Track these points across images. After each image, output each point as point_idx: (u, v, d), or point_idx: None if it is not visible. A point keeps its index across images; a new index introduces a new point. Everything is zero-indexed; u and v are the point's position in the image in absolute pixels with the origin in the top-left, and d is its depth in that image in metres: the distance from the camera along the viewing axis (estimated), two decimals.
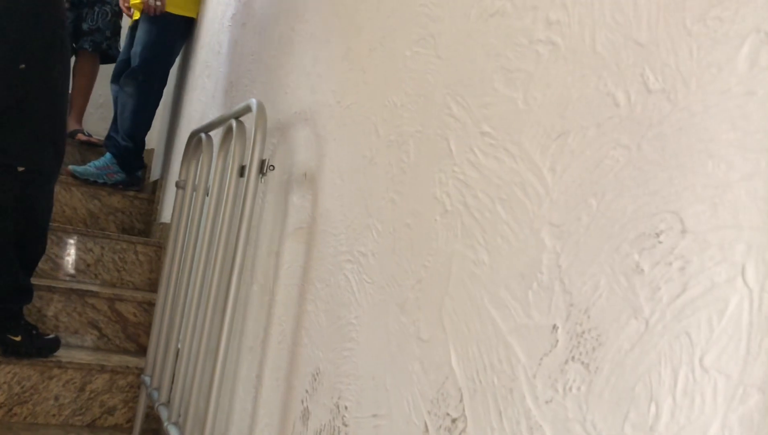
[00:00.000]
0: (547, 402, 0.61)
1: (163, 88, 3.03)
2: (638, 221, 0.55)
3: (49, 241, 2.54)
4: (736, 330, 0.46)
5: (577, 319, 0.59)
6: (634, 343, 0.54)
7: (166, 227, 2.88)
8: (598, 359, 0.57)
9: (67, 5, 3.13)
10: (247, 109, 1.43)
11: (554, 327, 0.62)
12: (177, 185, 2.04)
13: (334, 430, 1.00)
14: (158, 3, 2.83)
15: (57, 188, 2.86)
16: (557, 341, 0.61)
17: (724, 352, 0.47)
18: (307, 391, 1.13)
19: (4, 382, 2.01)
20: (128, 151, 2.98)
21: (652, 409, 0.51)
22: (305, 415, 1.11)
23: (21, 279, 1.99)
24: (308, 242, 1.26)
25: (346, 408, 0.99)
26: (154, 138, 3.69)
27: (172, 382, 1.68)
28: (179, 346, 1.67)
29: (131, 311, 2.42)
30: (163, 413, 1.61)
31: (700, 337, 0.48)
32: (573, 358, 0.59)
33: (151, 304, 2.42)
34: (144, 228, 3.13)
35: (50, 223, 2.20)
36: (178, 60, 3.21)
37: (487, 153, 0.77)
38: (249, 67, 1.94)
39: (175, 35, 2.94)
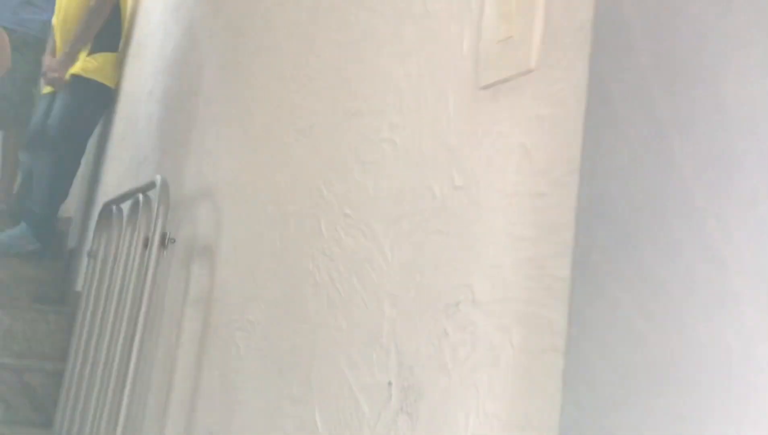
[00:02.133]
0: None
1: (81, 157, 3.06)
2: (446, 293, 0.68)
3: None
4: (505, 382, 0.58)
5: (405, 375, 0.71)
6: (443, 394, 0.65)
7: (78, 294, 2.88)
8: (419, 409, 0.68)
9: None
10: (152, 185, 1.52)
11: (389, 383, 0.73)
12: (88, 254, 2.08)
13: None
14: (55, 75, 2.88)
15: None
16: (391, 395, 0.72)
17: (497, 399, 0.58)
18: None
19: None
20: (45, 220, 2.97)
21: None
22: None
23: None
24: (206, 311, 1.34)
25: None
26: (71, 206, 3.69)
27: None
28: (83, 415, 1.70)
29: (39, 382, 2.39)
30: None
31: (484, 388, 0.60)
32: (401, 409, 0.70)
33: (62, 374, 2.41)
34: (59, 296, 3.10)
35: None
36: (96, 129, 3.26)
37: (347, 232, 0.89)
38: (160, 141, 2.03)
39: (95, 103, 2.99)
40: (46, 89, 3.05)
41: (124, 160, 2.57)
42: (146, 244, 1.53)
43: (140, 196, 1.59)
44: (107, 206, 2.01)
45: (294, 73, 1.18)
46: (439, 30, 0.79)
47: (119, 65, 3.03)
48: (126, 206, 1.83)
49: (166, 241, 1.41)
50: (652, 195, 0.47)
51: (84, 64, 2.91)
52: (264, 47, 1.34)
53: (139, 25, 2.98)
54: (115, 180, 2.64)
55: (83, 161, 3.12)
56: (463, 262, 0.66)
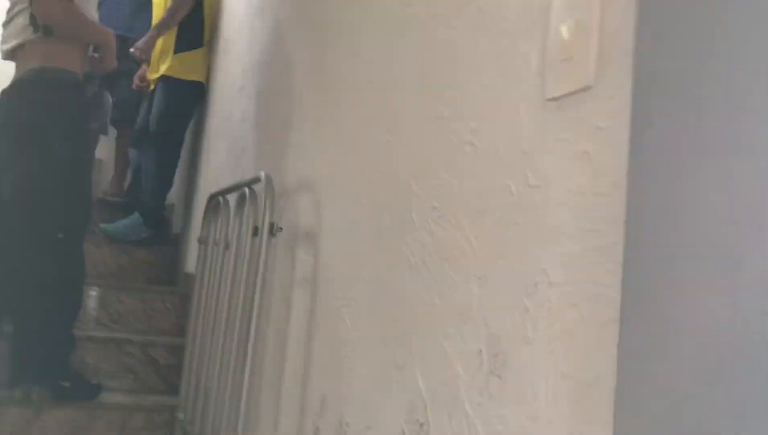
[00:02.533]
0: (478, 405, 0.87)
1: (180, 149, 3.33)
2: (525, 275, 0.81)
3: (85, 296, 2.82)
4: (576, 349, 0.72)
5: (493, 344, 0.85)
6: (526, 359, 0.79)
7: (190, 277, 3.16)
8: (506, 372, 0.82)
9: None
10: (257, 180, 1.71)
11: (480, 351, 0.87)
12: (199, 241, 2.32)
13: None
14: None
15: (89, 246, 3.15)
16: (482, 361, 0.87)
17: (570, 363, 0.72)
18: (317, 413, 1.38)
19: (55, 426, 2.27)
20: (154, 209, 3.26)
21: (537, 403, 0.76)
22: (316, 433, 1.36)
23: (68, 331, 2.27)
24: (313, 290, 1.52)
25: (347, 424, 1.24)
26: (173, 194, 3.99)
27: (202, 417, 1.93)
28: (208, 384, 1.93)
29: (162, 355, 2.68)
30: None
31: (559, 354, 0.74)
32: (492, 371, 0.85)
33: (180, 348, 2.68)
34: (169, 278, 3.41)
35: (85, 279, 2.47)
36: (192, 122, 3.52)
37: (437, 222, 1.04)
38: (257, 137, 2.23)
39: (187, 99, 3.24)
40: (151, 88, 3.32)
41: (221, 152, 2.79)
42: (255, 232, 1.72)
43: (246, 190, 1.78)
44: (214, 197, 2.23)
45: (380, 79, 1.33)
46: (511, 47, 0.91)
47: (205, 59, 3.25)
48: (232, 198, 2.04)
49: (274, 229, 1.60)
50: (687, 195, 0.59)
51: (172, 65, 3.15)
52: (351, 53, 1.49)
53: (225, 21, 3.18)
54: (214, 171, 2.88)
55: (182, 153, 3.38)
56: (538, 249, 0.79)
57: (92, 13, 2.37)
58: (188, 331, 2.27)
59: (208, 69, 3.28)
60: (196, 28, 3.24)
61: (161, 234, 3.37)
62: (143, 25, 3.37)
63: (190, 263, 3.32)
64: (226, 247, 2.02)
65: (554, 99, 0.81)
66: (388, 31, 1.32)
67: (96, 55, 2.36)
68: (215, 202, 2.20)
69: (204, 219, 2.31)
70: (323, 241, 1.50)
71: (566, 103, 0.79)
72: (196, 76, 3.24)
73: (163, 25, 3.16)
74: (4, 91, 2.21)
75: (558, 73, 0.81)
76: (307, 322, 1.52)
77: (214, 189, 2.34)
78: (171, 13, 3.15)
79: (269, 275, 1.67)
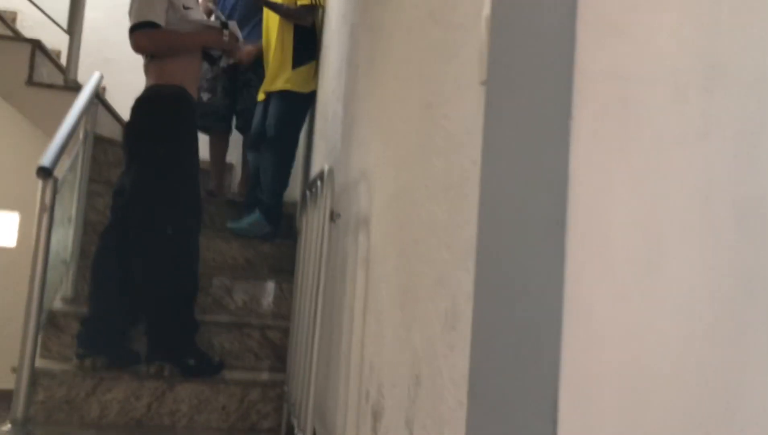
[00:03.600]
0: (444, 357, 0.99)
1: (295, 151, 3.62)
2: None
3: (213, 286, 3.18)
4: None
5: (453, 303, 0.97)
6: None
7: None
8: (460, 324, 0.94)
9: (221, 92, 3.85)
10: (322, 173, 1.91)
11: (445, 310, 1.00)
12: (297, 231, 2.57)
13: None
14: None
15: (220, 242, 3.54)
16: (446, 318, 0.99)
17: None
18: (367, 378, 1.54)
19: (186, 397, 2.62)
20: (273, 207, 3.56)
21: None
22: (366, 396, 1.53)
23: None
24: (367, 269, 1.69)
25: (382, 385, 1.39)
26: (297, 192, 4.34)
27: (295, 388, 2.17)
28: (297, 358, 2.16)
29: (278, 337, 2.98)
30: (294, 422, 2.10)
31: None
32: (452, 327, 0.97)
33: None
34: (291, 268, 3.72)
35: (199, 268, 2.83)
36: (305, 125, 3.81)
37: (424, 204, 1.16)
38: (341, 134, 2.43)
39: (300, 108, 3.53)
40: (260, 96, 3.64)
41: (322, 150, 3.04)
42: (332, 217, 1.92)
43: (318, 182, 1.99)
44: (304, 191, 2.47)
45: (421, 76, 1.46)
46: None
47: (316, 70, 3.52)
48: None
49: (334, 216, 1.78)
50: None
51: (290, 78, 3.44)
52: (391, 49, 1.64)
53: (326, 27, 3.43)
54: (316, 168, 3.13)
55: (298, 154, 3.68)
56: None
57: (197, 13, 2.72)
58: (292, 312, 2.52)
59: (317, 79, 3.54)
60: (311, 43, 3.50)
61: (281, 229, 3.67)
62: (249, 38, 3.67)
63: None
64: (310, 234, 2.24)
65: None
66: (425, 26, 1.45)
67: (215, 53, 2.77)
68: (305, 195, 2.44)
69: (299, 211, 2.56)
70: (373, 224, 1.66)
71: None
72: (308, 89, 3.51)
73: (284, 12, 3.44)
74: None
75: None
76: (363, 297, 1.69)
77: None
78: (289, 14, 3.44)
79: (335, 257, 1.86)
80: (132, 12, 2.58)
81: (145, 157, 2.49)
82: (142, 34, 2.51)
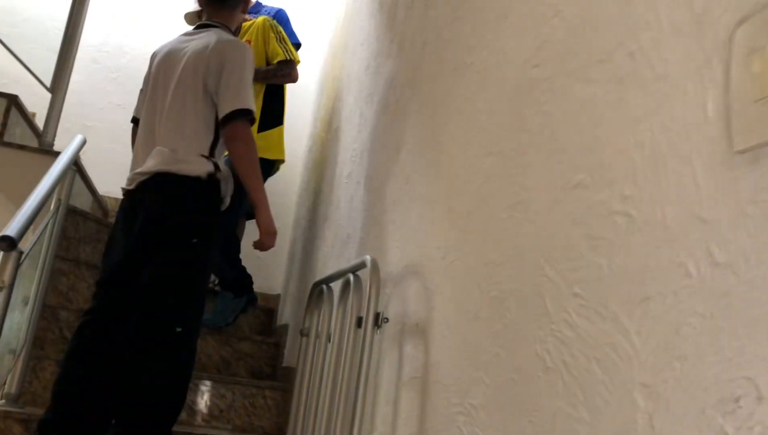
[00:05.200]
0: None
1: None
2: (719, 385, 0.59)
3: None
4: None
5: None
6: None
7: (290, 371, 3.03)
8: None
9: None
10: (363, 265, 1.57)
11: None
12: (301, 333, 2.18)
13: None
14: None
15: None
16: None
17: None
18: None
19: None
20: (236, 277, 3.17)
21: None
22: None
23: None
24: (422, 392, 1.32)
25: None
26: (280, 284, 3.94)
27: None
28: None
29: None
30: None
31: None
32: None
33: None
34: (271, 371, 3.29)
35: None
36: (305, 213, 3.48)
37: (580, 313, 0.84)
38: (363, 221, 2.11)
39: (264, 175, 3.23)
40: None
41: (327, 239, 2.70)
42: (359, 323, 1.56)
43: (351, 276, 1.64)
44: (317, 286, 2.11)
45: (501, 149, 1.17)
46: (673, 94, 0.73)
47: (282, 135, 3.27)
48: (336, 286, 1.90)
49: (380, 320, 1.43)
50: None
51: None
52: (466, 126, 1.35)
53: (336, 110, 3.19)
54: (320, 259, 2.78)
55: (294, 240, 3.33)
56: (738, 350, 0.58)
57: None
58: (287, 430, 2.10)
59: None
60: (279, 107, 3.28)
61: (253, 297, 3.27)
62: None
63: (291, 356, 3.20)
64: (329, 339, 1.87)
65: (747, 150, 0.62)
66: (509, 97, 1.17)
67: None
68: (318, 290, 2.08)
69: (307, 309, 2.18)
70: (434, 334, 1.32)
71: (765, 154, 0.60)
72: (274, 155, 3.24)
73: (262, 76, 3.16)
74: None
75: (751, 118, 0.62)
76: (417, 430, 1.31)
77: (319, 278, 2.22)
78: (269, 75, 3.19)
79: (374, 372, 1.49)
80: (233, 89, 2.17)
81: (181, 248, 2.07)
82: (246, 124, 2.16)
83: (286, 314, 3.60)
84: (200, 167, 2.09)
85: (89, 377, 2.00)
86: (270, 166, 3.26)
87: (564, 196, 0.93)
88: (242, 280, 3.20)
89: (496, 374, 1.03)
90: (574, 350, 0.83)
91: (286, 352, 3.38)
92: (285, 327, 3.48)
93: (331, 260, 2.53)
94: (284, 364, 3.32)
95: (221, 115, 2.14)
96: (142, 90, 2.32)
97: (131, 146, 2.30)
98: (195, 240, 2.06)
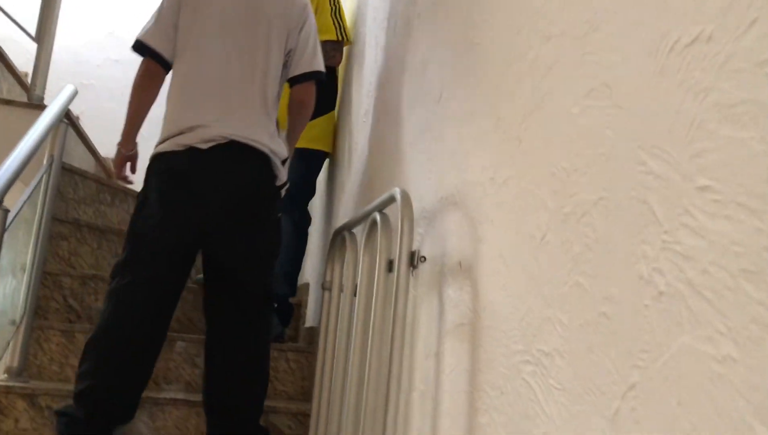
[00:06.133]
0: None
1: (308, 225, 2.95)
2: None
3: (175, 352, 2.52)
4: None
5: None
6: None
7: (313, 331, 2.83)
8: None
9: None
10: (391, 200, 1.33)
11: None
12: (323, 287, 1.96)
13: None
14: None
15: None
16: None
17: None
18: None
19: None
20: (285, 298, 2.77)
21: None
22: None
23: None
24: (472, 341, 1.09)
25: None
26: None
27: None
28: None
29: (286, 424, 2.32)
30: None
31: None
32: None
33: (306, 415, 2.32)
34: (293, 334, 3.09)
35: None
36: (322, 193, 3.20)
37: (712, 213, 0.59)
38: (386, 159, 1.87)
39: (316, 170, 2.89)
40: None
41: (347, 186, 2.47)
42: (390, 266, 1.33)
43: (377, 215, 1.41)
44: (338, 233, 1.88)
45: (563, 29, 0.91)
46: None
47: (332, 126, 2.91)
48: (360, 231, 1.67)
49: (416, 260, 1.20)
50: None
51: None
52: (510, 12, 1.09)
53: (354, 45, 2.91)
54: (340, 209, 2.55)
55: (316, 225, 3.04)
56: None
57: None
58: (314, 395, 1.89)
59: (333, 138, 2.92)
60: (330, 90, 2.77)
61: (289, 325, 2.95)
62: None
63: (313, 316, 2.99)
64: (354, 292, 1.64)
65: None
66: None
67: None
68: (341, 238, 1.84)
69: (328, 261, 1.96)
70: (484, 270, 1.08)
71: None
72: (325, 147, 2.88)
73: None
74: None
75: None
76: (468, 385, 1.09)
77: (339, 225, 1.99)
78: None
79: (410, 322, 1.26)
80: (311, 49, 1.97)
81: (273, 225, 1.93)
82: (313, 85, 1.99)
83: (307, 272, 3.39)
84: (284, 149, 1.92)
85: (143, 347, 1.81)
86: (321, 160, 2.88)
87: (671, 59, 0.68)
88: (286, 305, 2.79)
89: (578, 309, 0.79)
90: (705, 264, 0.59)
91: (308, 312, 3.18)
92: (306, 286, 3.28)
93: (352, 207, 2.29)
94: (306, 325, 3.13)
95: (298, 72, 1.93)
96: (159, 17, 1.92)
97: (143, 86, 1.93)
98: (279, 215, 1.95)
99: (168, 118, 1.88)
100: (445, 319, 1.23)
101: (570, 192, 0.85)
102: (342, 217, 2.48)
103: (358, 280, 1.53)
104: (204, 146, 1.80)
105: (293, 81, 1.97)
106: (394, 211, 1.38)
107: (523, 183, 0.99)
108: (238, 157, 1.81)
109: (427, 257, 1.29)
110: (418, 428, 1.31)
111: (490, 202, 1.09)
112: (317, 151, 2.81)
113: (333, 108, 2.86)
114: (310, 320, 3.12)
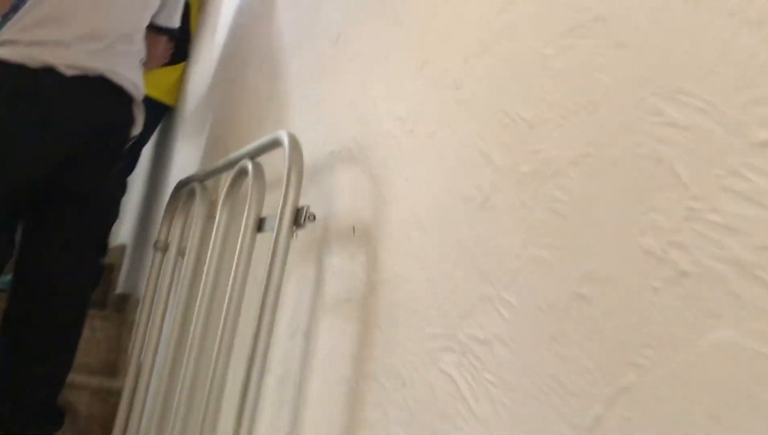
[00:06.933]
0: None
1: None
2: None
3: None
4: None
5: None
6: None
7: (125, 298, 2.48)
8: None
9: None
10: (273, 145, 1.10)
11: None
12: (155, 246, 1.67)
13: None
14: None
15: None
16: None
17: None
18: None
19: None
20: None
21: None
22: None
23: None
24: (364, 320, 0.91)
25: None
26: None
27: None
28: None
29: (84, 401, 1.98)
30: None
31: None
32: None
33: (110, 393, 1.99)
34: (100, 299, 2.70)
35: None
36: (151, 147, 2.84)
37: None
38: (253, 107, 1.62)
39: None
40: None
41: (194, 138, 2.16)
42: (260, 225, 1.11)
43: (248, 164, 1.17)
44: (183, 186, 1.60)
45: None
46: None
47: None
48: (215, 184, 1.42)
49: (303, 218, 0.98)
50: None
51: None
52: None
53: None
54: (180, 163, 2.24)
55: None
56: None
57: None
58: (129, 372, 1.60)
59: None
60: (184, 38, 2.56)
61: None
62: None
63: (128, 281, 2.64)
64: (211, 251, 1.38)
65: None
66: None
67: None
68: (187, 192, 1.57)
69: (165, 217, 1.67)
70: (389, 237, 0.90)
71: None
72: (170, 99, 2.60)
73: None
74: None
75: None
76: (351, 373, 0.90)
77: (182, 177, 1.70)
78: None
79: (282, 292, 1.05)
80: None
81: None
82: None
83: (122, 234, 3.00)
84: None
85: None
86: (162, 112, 2.61)
87: None
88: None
89: (538, 289, 0.64)
90: (753, 239, 0.46)
91: (121, 277, 2.80)
92: (120, 248, 2.90)
93: (198, 159, 2.00)
94: (118, 291, 2.76)
95: (168, 24, 1.81)
96: None
97: None
98: None
99: None
100: (323, 293, 1.04)
101: (532, 148, 0.69)
102: (181, 171, 2.18)
103: (214, 240, 1.28)
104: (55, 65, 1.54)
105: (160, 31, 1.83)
106: (271, 160, 1.16)
107: (457, 136, 0.82)
108: (94, 91, 1.60)
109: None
110: (269, 419, 1.10)
111: (407, 158, 0.91)
112: (160, 102, 2.50)
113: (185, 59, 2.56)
114: (121, 286, 2.75)
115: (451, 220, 0.79)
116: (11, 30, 1.49)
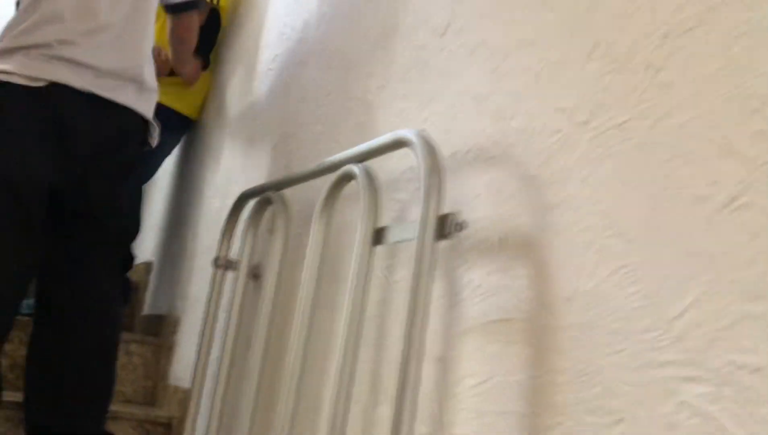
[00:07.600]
0: None
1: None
2: None
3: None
4: None
5: None
6: None
7: (158, 321, 2.32)
8: None
9: None
10: (395, 145, 0.97)
11: None
12: (215, 264, 1.53)
13: None
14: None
15: None
16: None
17: None
18: None
19: None
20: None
21: None
22: None
23: None
24: (534, 344, 0.78)
25: None
26: None
27: None
28: None
29: (127, 434, 1.82)
30: None
31: None
32: None
33: (154, 424, 1.84)
34: (128, 320, 2.54)
35: None
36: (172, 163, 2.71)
37: None
38: (323, 111, 1.49)
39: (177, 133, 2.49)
40: None
41: (238, 150, 2.03)
42: (378, 238, 0.98)
43: (354, 169, 1.04)
44: (249, 197, 1.46)
45: None
46: None
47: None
48: (293, 193, 1.28)
49: (451, 227, 0.85)
50: None
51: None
52: None
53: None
54: (218, 178, 2.10)
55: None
56: None
57: None
58: (191, 402, 1.45)
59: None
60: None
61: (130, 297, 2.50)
62: None
63: (159, 303, 2.48)
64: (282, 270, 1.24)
65: None
66: None
67: None
68: (259, 202, 1.43)
69: (226, 231, 1.53)
70: (564, 248, 0.78)
71: None
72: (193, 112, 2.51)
73: None
74: None
75: None
76: (520, 408, 0.77)
77: (221, 202, 1.56)
78: None
79: (385, 310, 0.92)
80: None
81: None
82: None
83: (145, 251, 2.85)
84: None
85: None
86: (187, 126, 2.49)
87: None
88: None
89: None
90: None
91: (148, 296, 2.65)
92: (147, 266, 2.74)
93: (250, 170, 1.86)
94: (145, 313, 2.60)
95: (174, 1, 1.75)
96: None
97: None
98: None
99: None
100: (463, 313, 0.91)
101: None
102: (219, 186, 2.04)
103: (308, 255, 1.14)
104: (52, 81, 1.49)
105: (173, 10, 1.83)
106: (382, 164, 1.03)
107: (666, 125, 0.70)
108: (103, 115, 1.53)
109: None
110: None
111: (580, 154, 0.79)
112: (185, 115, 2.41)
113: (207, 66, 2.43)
114: (150, 306, 2.60)
115: (676, 226, 0.67)
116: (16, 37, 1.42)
